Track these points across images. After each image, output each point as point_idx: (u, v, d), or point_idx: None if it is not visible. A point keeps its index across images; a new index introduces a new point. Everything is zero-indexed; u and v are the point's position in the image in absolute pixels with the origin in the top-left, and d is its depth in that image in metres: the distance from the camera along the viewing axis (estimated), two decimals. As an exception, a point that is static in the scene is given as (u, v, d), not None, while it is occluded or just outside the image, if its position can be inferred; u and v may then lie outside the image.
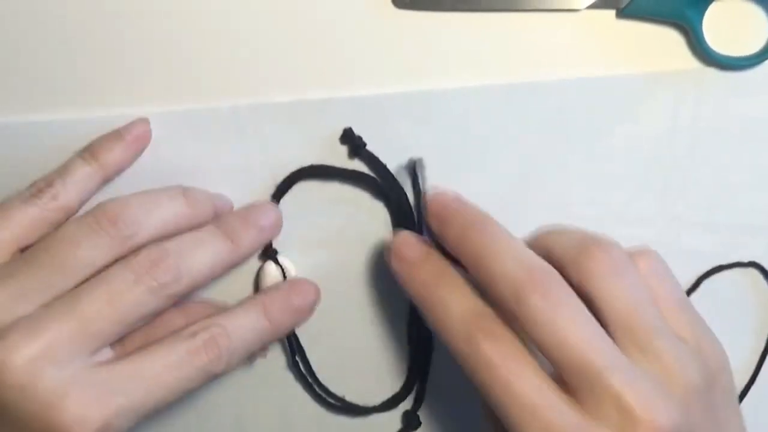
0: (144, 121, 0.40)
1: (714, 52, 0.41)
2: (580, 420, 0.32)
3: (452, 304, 0.35)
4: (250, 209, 0.41)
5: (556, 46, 0.41)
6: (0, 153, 0.41)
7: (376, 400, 0.44)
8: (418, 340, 0.44)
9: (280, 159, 0.41)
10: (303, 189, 0.42)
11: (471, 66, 0.41)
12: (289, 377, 0.44)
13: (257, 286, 0.42)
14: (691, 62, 0.41)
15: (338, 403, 0.44)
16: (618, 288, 0.34)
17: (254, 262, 0.42)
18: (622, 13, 0.41)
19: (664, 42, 0.41)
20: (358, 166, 0.42)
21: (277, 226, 0.41)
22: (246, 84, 0.41)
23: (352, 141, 0.41)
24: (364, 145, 0.41)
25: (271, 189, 0.42)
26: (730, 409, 0.36)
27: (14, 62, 0.41)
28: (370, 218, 0.42)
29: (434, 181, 0.42)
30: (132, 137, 0.40)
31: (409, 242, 0.38)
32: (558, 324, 0.32)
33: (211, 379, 0.38)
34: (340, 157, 0.42)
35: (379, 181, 0.41)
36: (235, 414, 0.44)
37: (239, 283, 0.42)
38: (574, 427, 0.32)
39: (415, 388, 0.44)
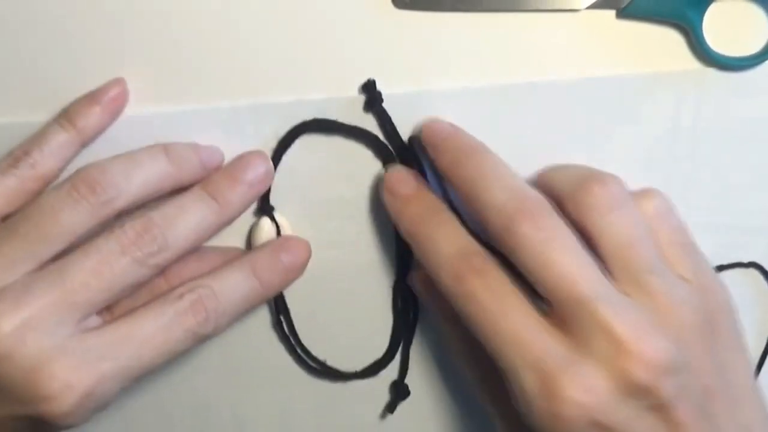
0: (119, 81, 0.39)
1: (714, 52, 0.41)
2: (568, 352, 0.31)
3: (442, 240, 0.35)
4: (237, 163, 0.40)
5: (556, 46, 0.41)
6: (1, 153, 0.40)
7: (360, 367, 0.45)
8: (403, 308, 0.44)
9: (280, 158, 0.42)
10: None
11: (471, 66, 0.41)
12: (273, 337, 0.44)
13: (250, 242, 0.42)
14: (692, 62, 0.41)
15: (318, 367, 0.44)
16: (614, 222, 0.34)
17: (249, 217, 0.42)
18: (622, 13, 0.41)
19: (664, 42, 0.41)
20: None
21: (267, 179, 0.40)
22: (246, 84, 0.41)
23: (370, 93, 0.41)
24: (382, 100, 0.41)
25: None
26: (736, 352, 0.36)
27: (14, 63, 0.41)
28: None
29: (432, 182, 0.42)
30: (108, 99, 0.39)
31: (402, 178, 0.38)
32: (548, 253, 0.32)
33: (200, 341, 0.37)
34: (340, 158, 0.42)
35: (380, 139, 0.41)
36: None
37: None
38: (562, 359, 0.31)
39: (398, 356, 0.45)
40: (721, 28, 0.41)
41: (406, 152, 0.41)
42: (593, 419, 0.31)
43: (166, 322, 0.36)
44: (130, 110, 0.40)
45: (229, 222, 0.39)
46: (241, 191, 0.39)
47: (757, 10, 0.41)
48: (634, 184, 0.42)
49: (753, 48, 0.41)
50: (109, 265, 0.35)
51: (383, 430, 0.46)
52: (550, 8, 0.41)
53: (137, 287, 0.37)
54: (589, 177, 0.35)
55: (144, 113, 0.40)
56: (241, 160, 0.40)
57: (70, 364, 0.34)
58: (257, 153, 0.40)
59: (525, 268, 0.33)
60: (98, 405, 0.35)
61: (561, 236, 0.33)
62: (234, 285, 0.38)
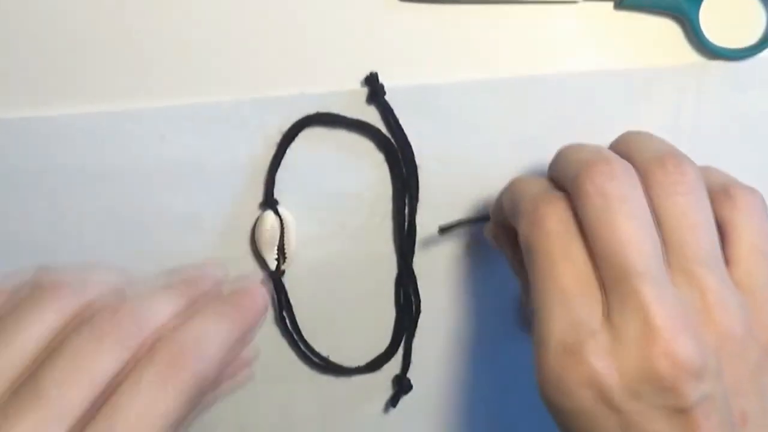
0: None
1: (711, 43, 0.41)
2: (604, 318, 0.30)
3: (529, 187, 0.35)
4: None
5: (555, 38, 0.41)
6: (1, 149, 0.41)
7: (363, 361, 0.45)
8: (405, 303, 0.44)
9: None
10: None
11: (471, 58, 0.41)
12: (276, 332, 0.44)
13: (254, 235, 0.42)
14: (689, 54, 0.42)
15: (321, 362, 0.44)
16: (679, 203, 0.32)
17: (254, 211, 0.42)
18: (619, 5, 0.41)
19: (661, 34, 0.42)
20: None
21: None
22: (249, 78, 0.41)
23: (373, 85, 0.41)
24: (384, 93, 0.41)
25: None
26: None
27: (17, 58, 0.41)
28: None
29: (434, 175, 0.42)
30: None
31: None
32: (613, 214, 0.31)
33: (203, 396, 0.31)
34: (339, 160, 0.42)
35: (383, 132, 0.42)
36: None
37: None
38: (597, 323, 0.30)
39: (401, 351, 0.45)
40: (718, 19, 0.41)
41: (407, 145, 0.42)
42: (603, 394, 0.30)
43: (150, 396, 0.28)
44: (134, 104, 0.41)
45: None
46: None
47: (753, 1, 0.41)
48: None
49: (750, 39, 0.42)
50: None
51: (386, 424, 0.46)
52: (548, 0, 0.41)
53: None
54: (667, 154, 0.33)
55: (148, 107, 0.41)
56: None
57: None
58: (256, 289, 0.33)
59: (587, 219, 0.31)
60: None
61: (631, 200, 0.31)
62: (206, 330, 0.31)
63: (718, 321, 0.30)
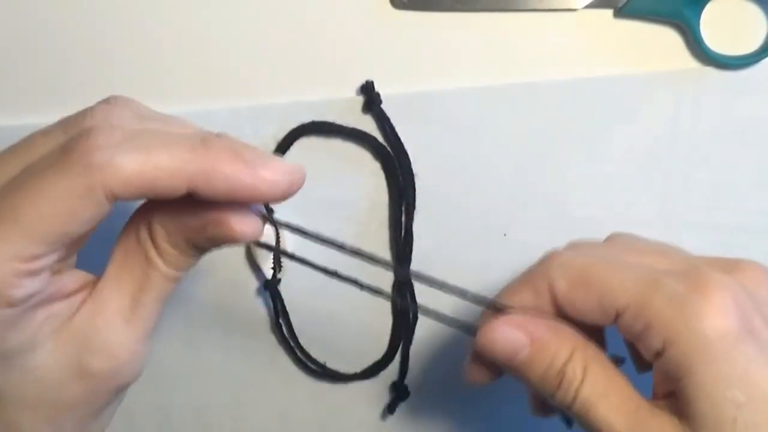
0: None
1: (712, 51, 0.41)
2: None
3: None
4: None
5: (554, 45, 0.41)
6: None
7: (360, 368, 0.45)
8: (403, 309, 0.44)
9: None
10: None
11: (469, 66, 0.41)
12: (273, 339, 0.44)
13: (249, 245, 0.42)
14: (690, 61, 0.41)
15: (318, 369, 0.44)
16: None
17: None
18: (619, 13, 0.41)
19: (662, 41, 0.41)
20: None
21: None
22: (244, 86, 0.41)
23: (369, 94, 0.41)
24: (380, 102, 0.41)
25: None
26: None
27: (14, 65, 0.41)
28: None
29: (431, 183, 0.42)
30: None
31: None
32: None
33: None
34: (338, 160, 0.42)
35: (379, 141, 0.42)
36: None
37: None
38: None
39: (398, 357, 0.45)
40: (719, 27, 0.41)
41: (404, 153, 0.41)
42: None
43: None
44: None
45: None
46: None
47: (754, 9, 0.41)
48: (633, 184, 0.42)
49: (751, 46, 0.41)
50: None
51: (383, 430, 0.46)
52: (547, 8, 0.41)
53: None
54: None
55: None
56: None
57: None
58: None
59: None
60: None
61: None
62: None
63: None
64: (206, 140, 0.28)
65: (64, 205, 0.26)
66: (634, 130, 0.42)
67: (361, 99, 0.41)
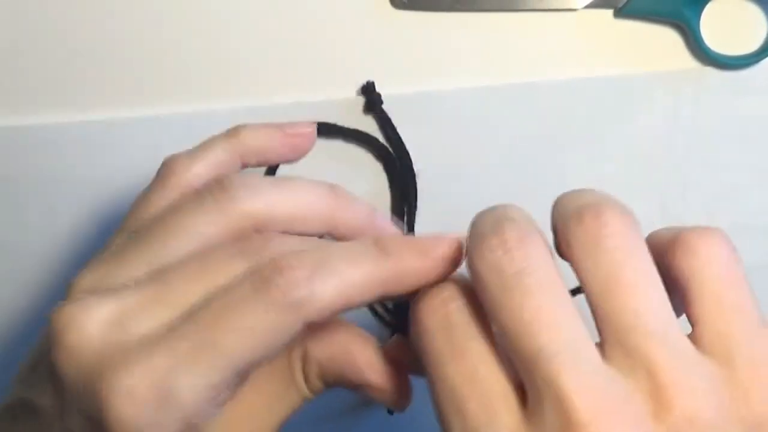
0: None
1: (712, 51, 0.41)
2: (517, 424, 0.24)
3: None
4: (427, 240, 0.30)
5: (554, 45, 0.41)
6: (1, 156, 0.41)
7: None
8: (400, 307, 0.44)
9: (279, 161, 0.41)
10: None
11: (470, 66, 0.41)
12: None
13: None
14: (689, 61, 0.41)
15: None
16: (602, 263, 0.25)
17: None
18: (619, 13, 0.41)
19: (661, 41, 0.41)
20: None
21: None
22: (243, 86, 0.41)
23: (370, 95, 0.41)
24: (382, 102, 0.41)
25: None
26: None
27: (11, 67, 0.41)
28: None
29: (432, 183, 0.42)
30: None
31: None
32: (510, 291, 0.25)
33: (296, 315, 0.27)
34: (336, 160, 0.42)
35: (381, 141, 0.41)
36: None
37: None
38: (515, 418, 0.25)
39: None
40: (719, 27, 0.41)
41: (405, 154, 0.41)
42: None
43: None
44: (128, 113, 0.40)
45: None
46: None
47: (754, 9, 0.41)
48: (632, 184, 0.42)
49: (750, 46, 0.41)
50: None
51: (391, 427, 0.46)
52: (547, 8, 0.41)
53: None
54: (586, 205, 0.27)
55: (143, 116, 0.40)
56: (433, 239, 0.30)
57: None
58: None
59: (485, 305, 0.26)
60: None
61: (534, 271, 0.25)
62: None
63: (674, 405, 0.23)
64: (379, 243, 0.29)
65: (263, 340, 0.26)
66: (634, 130, 0.42)
67: (361, 99, 0.41)
